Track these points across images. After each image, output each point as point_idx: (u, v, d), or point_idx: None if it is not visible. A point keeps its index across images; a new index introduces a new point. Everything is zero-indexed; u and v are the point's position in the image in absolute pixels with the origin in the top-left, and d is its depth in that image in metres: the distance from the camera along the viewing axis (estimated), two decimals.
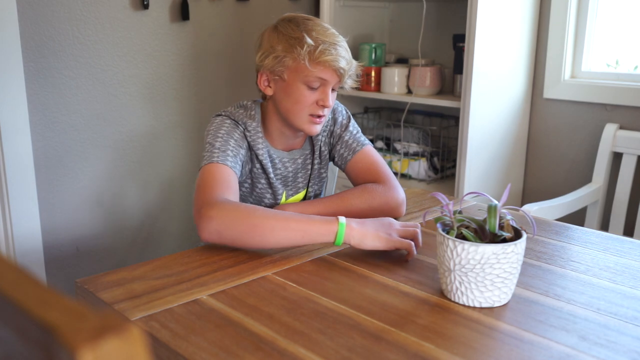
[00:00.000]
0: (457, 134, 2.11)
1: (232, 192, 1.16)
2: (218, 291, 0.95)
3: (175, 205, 2.30)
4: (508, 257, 0.88)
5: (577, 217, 2.14)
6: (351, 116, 1.44)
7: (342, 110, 1.43)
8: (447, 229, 0.95)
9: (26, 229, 1.88)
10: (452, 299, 0.92)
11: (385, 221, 1.12)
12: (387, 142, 2.45)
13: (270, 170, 1.34)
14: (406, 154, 2.38)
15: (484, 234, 0.91)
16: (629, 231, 2.11)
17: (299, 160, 1.39)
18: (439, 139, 2.40)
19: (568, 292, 0.97)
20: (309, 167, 1.42)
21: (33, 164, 1.88)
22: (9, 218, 1.85)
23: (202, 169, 1.19)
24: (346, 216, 1.11)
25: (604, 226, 2.17)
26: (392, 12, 2.68)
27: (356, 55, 2.42)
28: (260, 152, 1.31)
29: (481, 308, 0.90)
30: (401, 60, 2.55)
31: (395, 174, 2.35)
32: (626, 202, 2.09)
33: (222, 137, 1.24)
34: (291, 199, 1.41)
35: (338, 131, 1.40)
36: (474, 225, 0.93)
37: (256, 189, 1.36)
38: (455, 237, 0.90)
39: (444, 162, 2.40)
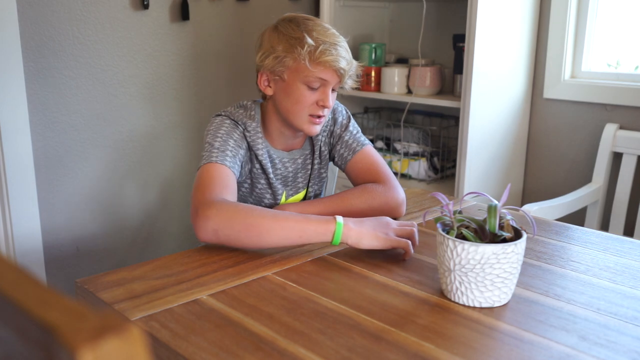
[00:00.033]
0: (457, 134, 2.11)
1: (229, 192, 1.16)
2: (218, 291, 0.95)
3: (175, 205, 2.30)
4: (508, 257, 0.88)
5: (577, 217, 2.14)
6: (351, 116, 1.44)
7: (342, 110, 1.43)
8: (447, 229, 0.95)
9: (26, 229, 1.88)
10: (452, 299, 0.92)
11: (382, 220, 1.13)
12: (387, 142, 2.45)
13: (270, 170, 1.34)
14: (406, 154, 2.38)
15: (484, 234, 0.91)
16: (629, 231, 2.11)
17: (299, 160, 1.39)
18: (439, 139, 2.40)
19: (568, 292, 0.97)
20: (309, 167, 1.42)
21: (33, 164, 1.88)
22: (9, 218, 1.85)
23: (200, 168, 1.19)
24: (346, 216, 1.11)
25: (604, 226, 2.17)
26: (392, 12, 2.68)
27: (356, 55, 2.42)
28: (259, 152, 1.31)
29: (481, 308, 0.90)
30: (401, 60, 2.55)
31: (395, 174, 2.35)
32: (626, 202, 2.09)
33: (221, 137, 1.24)
34: (291, 199, 1.41)
35: (338, 131, 1.40)
36: (474, 225, 0.93)
37: (256, 189, 1.36)
38: (455, 237, 0.90)
39: (444, 162, 2.40)
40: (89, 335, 0.33)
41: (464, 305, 0.91)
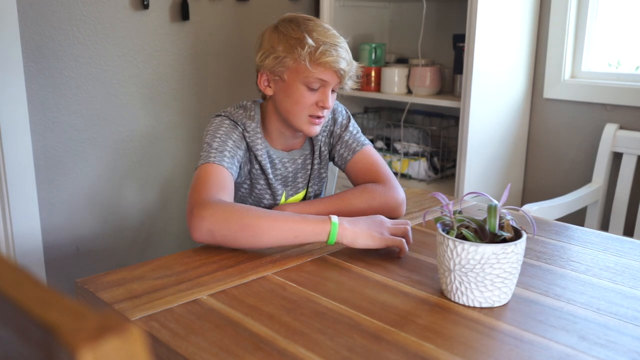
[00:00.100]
0: (457, 134, 2.11)
1: (226, 192, 1.16)
2: (218, 291, 0.95)
3: (175, 205, 2.30)
4: (508, 257, 0.88)
5: (577, 217, 2.14)
6: (351, 116, 1.44)
7: (342, 111, 1.43)
8: (447, 229, 0.95)
9: (26, 229, 1.88)
10: (452, 299, 0.92)
11: (376, 219, 1.13)
12: (387, 142, 2.45)
13: (270, 171, 1.34)
14: (406, 154, 2.38)
15: (484, 234, 0.91)
16: (629, 231, 2.11)
17: (299, 161, 1.39)
18: (439, 139, 2.40)
19: (568, 292, 0.97)
20: (309, 167, 1.42)
21: (33, 164, 1.88)
22: (9, 218, 1.85)
23: (198, 168, 1.19)
24: (347, 216, 1.12)
25: (604, 226, 2.17)
26: (392, 12, 2.68)
27: (356, 55, 2.42)
28: (259, 152, 1.30)
29: (481, 308, 0.90)
30: (401, 60, 2.55)
31: (395, 174, 2.35)
32: (626, 202, 2.09)
33: (220, 137, 1.24)
34: (291, 199, 1.41)
35: (338, 131, 1.40)
36: (474, 225, 0.93)
37: (255, 189, 1.36)
38: (455, 237, 0.90)
39: (444, 162, 2.40)
40: (89, 335, 0.33)
41: (464, 305, 0.91)
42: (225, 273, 1.02)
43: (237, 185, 1.36)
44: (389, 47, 2.68)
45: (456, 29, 2.29)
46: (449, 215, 0.95)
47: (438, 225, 0.95)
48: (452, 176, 2.38)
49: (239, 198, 1.38)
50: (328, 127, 1.41)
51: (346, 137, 1.39)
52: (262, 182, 1.35)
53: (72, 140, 1.97)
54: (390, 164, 2.39)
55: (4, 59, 1.76)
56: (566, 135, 2.26)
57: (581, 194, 2.06)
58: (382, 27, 2.67)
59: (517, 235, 0.92)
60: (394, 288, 0.97)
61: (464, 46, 2.03)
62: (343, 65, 1.23)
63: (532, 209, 1.84)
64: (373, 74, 2.40)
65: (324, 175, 1.45)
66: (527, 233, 0.93)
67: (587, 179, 2.20)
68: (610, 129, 2.11)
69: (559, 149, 2.28)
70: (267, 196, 1.37)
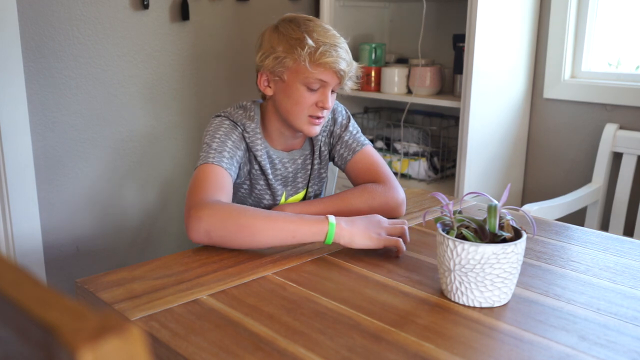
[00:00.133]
0: (457, 134, 2.11)
1: (224, 193, 1.16)
2: (218, 291, 0.95)
3: (175, 205, 2.30)
4: (508, 257, 0.88)
5: (577, 217, 2.14)
6: (351, 116, 1.44)
7: (342, 111, 1.43)
8: (447, 229, 0.95)
9: (26, 229, 1.88)
10: (452, 299, 0.92)
11: (373, 219, 1.13)
12: (387, 142, 2.45)
13: (269, 171, 1.34)
14: (406, 154, 2.38)
15: (484, 234, 0.91)
16: (629, 231, 2.11)
17: (299, 161, 1.39)
18: (439, 139, 2.40)
19: (568, 292, 0.97)
20: (309, 167, 1.42)
21: (33, 164, 1.88)
22: (9, 218, 1.85)
23: (197, 169, 1.19)
24: (346, 216, 1.11)
25: (604, 226, 2.17)
26: (392, 12, 2.68)
27: (356, 55, 2.42)
28: (258, 153, 1.30)
29: (481, 308, 0.90)
30: (401, 60, 2.55)
31: (395, 174, 2.35)
32: (626, 202, 2.09)
33: (219, 138, 1.24)
34: (291, 199, 1.41)
35: (338, 131, 1.40)
36: (474, 225, 0.93)
37: (255, 190, 1.36)
38: (455, 237, 0.90)
39: (444, 162, 2.40)
40: (89, 335, 0.33)
41: (464, 305, 0.91)
42: (225, 273, 1.02)
43: (237, 186, 1.36)
44: (389, 47, 2.68)
45: (456, 29, 2.29)
46: (449, 215, 0.95)
47: (438, 225, 0.95)
48: (452, 176, 2.38)
49: (238, 198, 1.38)
50: (328, 127, 1.41)
51: (346, 137, 1.39)
52: (261, 182, 1.35)
53: (72, 140, 1.97)
54: (390, 164, 2.39)
55: (4, 59, 1.76)
56: (566, 135, 2.26)
57: (581, 194, 2.06)
58: (382, 27, 2.67)
59: (517, 235, 0.92)
60: (394, 288, 0.97)
61: (464, 46, 2.03)
62: (343, 65, 1.23)
63: (532, 209, 1.84)
64: (373, 74, 2.40)
65: (324, 175, 1.45)
66: (527, 233, 0.93)
67: (587, 179, 2.20)
68: (610, 129, 2.11)
69: (559, 149, 2.28)
70: (267, 196, 1.37)
